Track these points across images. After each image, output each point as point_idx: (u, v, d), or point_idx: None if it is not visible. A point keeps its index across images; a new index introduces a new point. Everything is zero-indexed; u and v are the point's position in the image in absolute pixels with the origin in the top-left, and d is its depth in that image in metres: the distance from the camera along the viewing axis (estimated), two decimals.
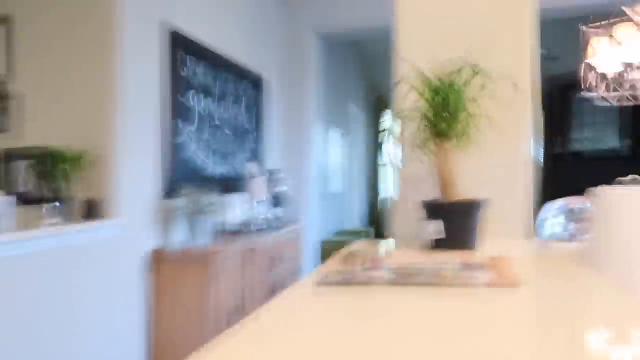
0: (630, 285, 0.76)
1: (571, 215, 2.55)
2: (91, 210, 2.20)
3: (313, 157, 4.46)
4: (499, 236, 1.39)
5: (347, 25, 4.36)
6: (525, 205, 1.47)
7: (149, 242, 2.51)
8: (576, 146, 7.25)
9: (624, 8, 3.04)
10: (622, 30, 2.95)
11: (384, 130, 8.13)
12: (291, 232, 3.46)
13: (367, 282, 0.87)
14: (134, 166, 2.39)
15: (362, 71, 7.50)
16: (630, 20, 2.97)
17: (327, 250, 4.59)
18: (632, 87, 2.99)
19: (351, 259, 1.09)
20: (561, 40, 4.77)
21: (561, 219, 2.72)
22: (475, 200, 1.25)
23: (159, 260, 2.48)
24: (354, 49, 6.90)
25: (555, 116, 7.27)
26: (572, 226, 2.52)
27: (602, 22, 3.11)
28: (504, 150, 1.47)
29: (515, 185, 1.47)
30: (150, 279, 2.48)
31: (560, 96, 7.13)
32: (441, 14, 1.54)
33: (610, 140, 6.89)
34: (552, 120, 7.29)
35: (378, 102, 7.98)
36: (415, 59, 1.32)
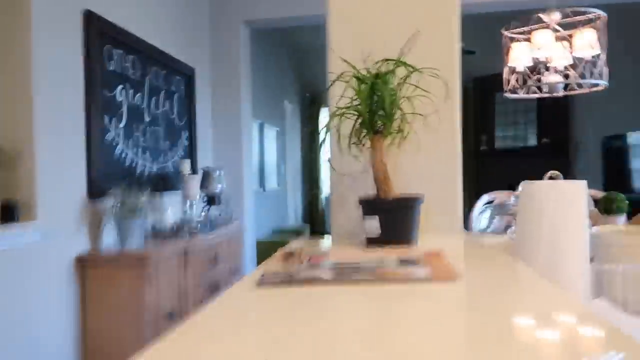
0: (554, 273, 0.82)
1: (498, 210, 2.70)
2: (8, 214, 2.04)
3: (248, 155, 4.41)
4: (432, 231, 1.44)
5: (277, 14, 4.32)
6: (456, 200, 1.53)
7: (76, 246, 2.36)
8: (500, 144, 7.67)
9: (541, 15, 3.26)
10: (540, 35, 3.18)
11: (320, 128, 8.18)
12: (229, 232, 3.40)
13: (308, 281, 0.86)
14: (56, 165, 2.24)
15: (297, 68, 7.51)
16: (547, 26, 3.20)
17: (264, 249, 4.55)
18: (539, 79, 3.25)
19: (291, 258, 1.09)
20: (475, 34, 5.00)
21: (488, 213, 2.88)
22: (413, 196, 1.28)
23: (88, 265, 2.34)
24: (288, 46, 6.89)
25: (481, 116, 7.66)
26: (497, 220, 2.68)
27: (523, 29, 3.33)
28: (436, 147, 1.52)
29: (446, 181, 1.53)
30: (79, 285, 2.34)
31: (486, 97, 7.51)
32: (372, 12, 1.56)
33: (529, 138, 7.34)
34: (478, 119, 7.68)
35: (314, 99, 8.02)
36: (349, 56, 1.33)
